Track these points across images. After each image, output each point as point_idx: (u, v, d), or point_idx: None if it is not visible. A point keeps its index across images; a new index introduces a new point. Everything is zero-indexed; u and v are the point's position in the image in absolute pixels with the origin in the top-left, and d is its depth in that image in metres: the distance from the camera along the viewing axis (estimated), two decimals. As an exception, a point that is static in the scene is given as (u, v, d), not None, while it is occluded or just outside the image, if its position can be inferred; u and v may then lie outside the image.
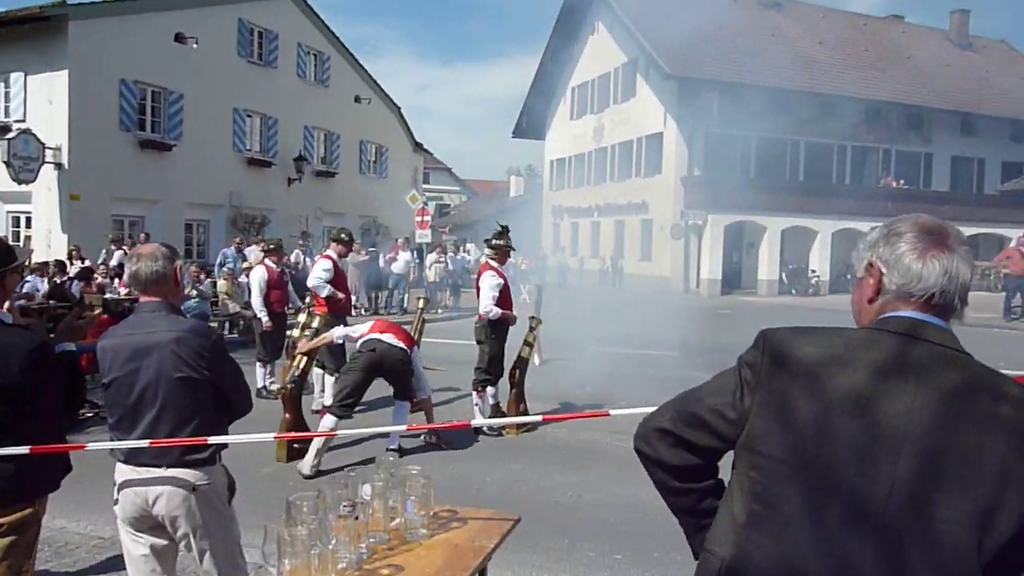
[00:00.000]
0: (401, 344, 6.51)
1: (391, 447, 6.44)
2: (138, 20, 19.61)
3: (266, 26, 23.94)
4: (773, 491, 1.41)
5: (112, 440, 2.70)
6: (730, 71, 27.71)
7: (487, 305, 7.26)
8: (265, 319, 8.85)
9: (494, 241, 7.57)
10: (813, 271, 27.99)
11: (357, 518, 2.19)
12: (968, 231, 30.11)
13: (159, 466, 2.60)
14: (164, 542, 2.71)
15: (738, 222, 27.37)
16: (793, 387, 1.42)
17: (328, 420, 6.20)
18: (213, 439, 2.61)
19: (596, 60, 33.31)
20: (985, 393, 1.37)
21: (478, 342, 7.51)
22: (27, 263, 14.64)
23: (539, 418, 2.17)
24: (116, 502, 2.70)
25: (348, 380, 6.31)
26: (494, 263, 7.50)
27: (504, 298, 7.38)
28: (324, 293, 8.08)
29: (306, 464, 5.98)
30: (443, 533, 2.52)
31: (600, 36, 33.04)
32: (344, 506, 2.19)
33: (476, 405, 7.47)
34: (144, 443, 2.55)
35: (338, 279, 8.31)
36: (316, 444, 5.96)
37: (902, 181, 30.57)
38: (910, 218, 1.55)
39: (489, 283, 7.33)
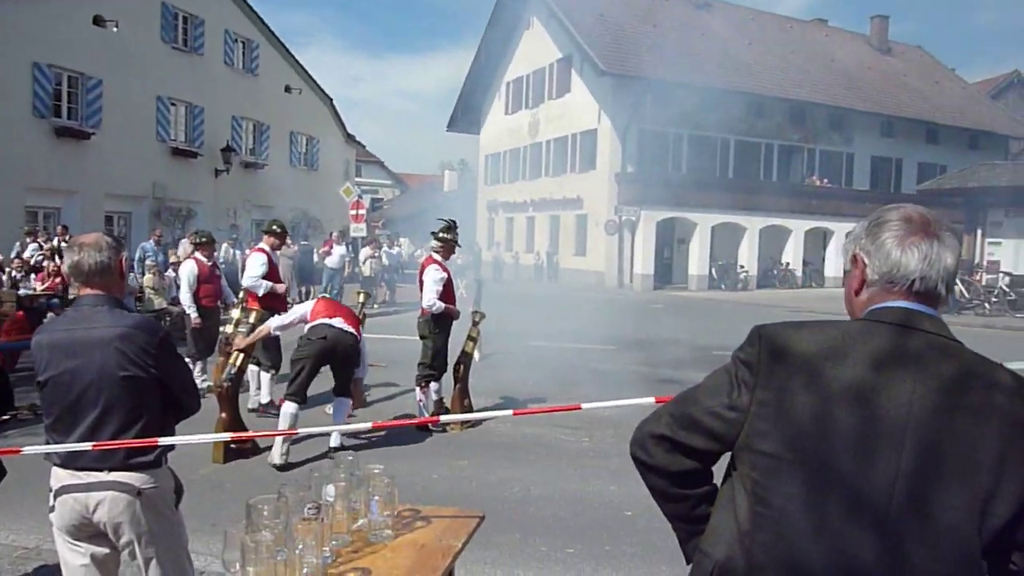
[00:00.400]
0: (351, 329, 6.36)
1: (334, 445, 6.29)
2: (55, 1, 18.66)
3: (191, 11, 23.11)
4: (774, 489, 1.39)
5: (48, 443, 2.51)
6: (662, 69, 28.10)
7: (431, 299, 7.16)
8: (194, 315, 8.54)
9: (441, 234, 7.46)
10: (742, 267, 28.75)
11: (322, 520, 2.09)
12: (887, 228, 31.40)
13: (101, 470, 2.43)
14: (106, 550, 2.54)
15: (670, 218, 27.87)
16: (792, 382, 1.40)
17: (289, 407, 6.04)
18: (163, 440, 2.46)
19: (531, 55, 33.36)
20: (979, 382, 1.37)
21: (421, 337, 7.40)
22: None
23: (509, 412, 2.12)
24: (52, 509, 2.51)
25: (300, 367, 6.14)
26: (438, 256, 7.40)
27: (447, 292, 7.29)
28: (261, 292, 7.82)
29: (275, 455, 5.90)
30: (408, 533, 2.44)
31: (535, 31, 33.11)
32: (309, 508, 2.09)
33: (420, 401, 7.35)
34: (87, 446, 2.38)
35: (272, 273, 8.05)
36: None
37: (826, 180, 31.67)
38: (894, 208, 1.57)
39: (433, 276, 7.22)
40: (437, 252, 7.43)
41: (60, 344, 2.45)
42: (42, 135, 18.42)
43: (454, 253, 7.66)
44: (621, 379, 10.15)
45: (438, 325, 7.27)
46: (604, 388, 9.47)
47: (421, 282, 7.36)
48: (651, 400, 2.37)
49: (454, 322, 7.46)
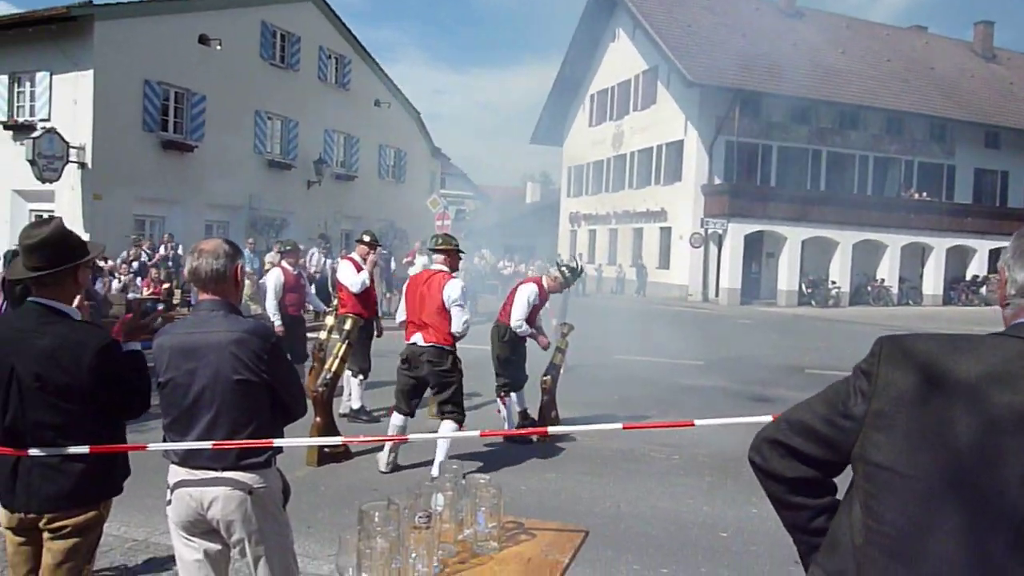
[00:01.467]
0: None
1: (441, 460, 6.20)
2: (163, 21, 19.66)
3: (288, 29, 23.97)
4: (887, 503, 1.30)
5: (166, 441, 2.59)
6: (752, 79, 27.52)
7: (518, 319, 7.05)
8: (278, 323, 8.61)
9: (564, 268, 7.39)
10: (833, 282, 27.71)
11: (431, 530, 2.07)
12: (991, 244, 29.77)
13: (215, 469, 2.49)
14: (218, 547, 2.60)
15: (758, 231, 27.15)
16: (910, 393, 1.32)
17: (398, 418, 6.06)
18: (278, 441, 2.51)
19: (616, 67, 33.21)
20: None
21: (497, 357, 7.35)
22: (101, 257, 14.67)
23: (619, 425, 2.07)
24: (169, 503, 2.59)
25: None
26: (546, 284, 7.31)
27: (531, 316, 7.21)
28: (358, 289, 7.92)
29: (382, 460, 6.04)
30: (513, 546, 2.40)
31: (620, 43, 32.95)
32: (420, 517, 2.07)
33: (499, 412, 7.32)
34: (207, 444, 2.44)
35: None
36: (440, 452, 5.89)
37: (924, 193, 30.26)
38: None
39: (527, 294, 7.09)
40: (548, 281, 7.32)
41: (180, 347, 2.53)
42: (150, 148, 19.39)
43: (566, 287, 7.55)
44: (710, 396, 9.89)
45: (514, 344, 7.22)
46: (693, 405, 9.26)
47: (509, 302, 7.25)
48: (768, 419, 2.25)
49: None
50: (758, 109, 28.50)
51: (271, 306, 8.74)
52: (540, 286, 7.24)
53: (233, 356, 2.47)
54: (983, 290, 29.61)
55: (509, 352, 7.20)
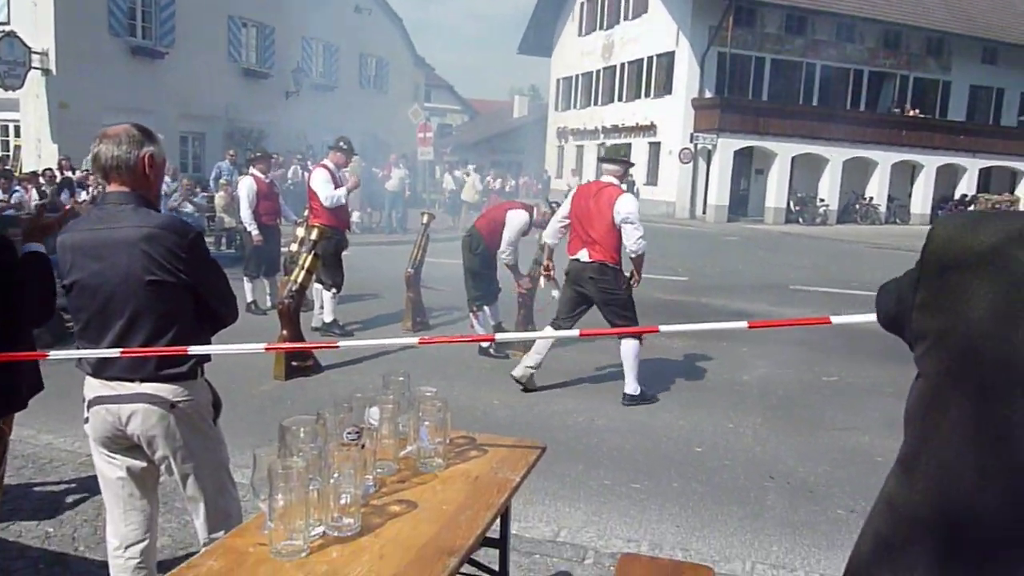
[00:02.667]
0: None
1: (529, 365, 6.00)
2: (126, -84, 18.54)
3: (262, -73, 22.71)
4: (924, 388, 1.23)
5: (79, 347, 2.34)
6: (747, -12, 26.50)
7: (508, 245, 6.77)
8: (255, 232, 8.46)
9: (554, 204, 6.94)
10: (822, 200, 27.43)
11: (363, 446, 1.86)
12: (982, 163, 29.46)
13: (132, 380, 2.25)
14: (142, 464, 2.39)
15: (748, 147, 26.65)
16: (939, 269, 1.20)
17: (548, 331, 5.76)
18: (194, 349, 2.25)
19: (607, -27, 31.89)
20: None
21: (468, 269, 7.05)
22: (68, 168, 14.05)
23: (575, 332, 1.87)
24: (86, 420, 2.36)
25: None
26: (535, 216, 6.91)
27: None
28: (334, 203, 7.53)
29: (519, 368, 5.91)
30: (460, 463, 2.20)
31: (612, -52, 31.55)
32: (348, 433, 1.85)
33: (471, 327, 7.12)
34: (115, 352, 2.20)
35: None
36: (539, 346, 5.80)
37: (918, 110, 29.66)
38: None
39: (517, 222, 6.77)
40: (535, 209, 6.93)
41: (84, 245, 2.24)
42: (118, 54, 18.58)
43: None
44: (693, 312, 9.75)
45: (485, 256, 6.96)
46: (675, 319, 9.10)
47: (493, 218, 6.94)
48: (743, 325, 2.04)
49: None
50: (752, 19, 27.53)
51: (246, 215, 8.48)
52: (531, 215, 6.92)
53: (144, 254, 2.18)
54: (971, 209, 29.42)
55: (480, 265, 6.95)
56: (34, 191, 13.12)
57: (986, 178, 30.36)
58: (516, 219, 6.79)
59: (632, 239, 5.61)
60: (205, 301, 2.32)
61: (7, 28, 16.64)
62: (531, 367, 5.88)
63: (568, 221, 5.88)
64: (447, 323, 8.41)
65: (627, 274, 5.78)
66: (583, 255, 5.69)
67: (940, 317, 1.18)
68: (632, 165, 6.02)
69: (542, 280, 7.47)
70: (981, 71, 31.24)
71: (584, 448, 4.84)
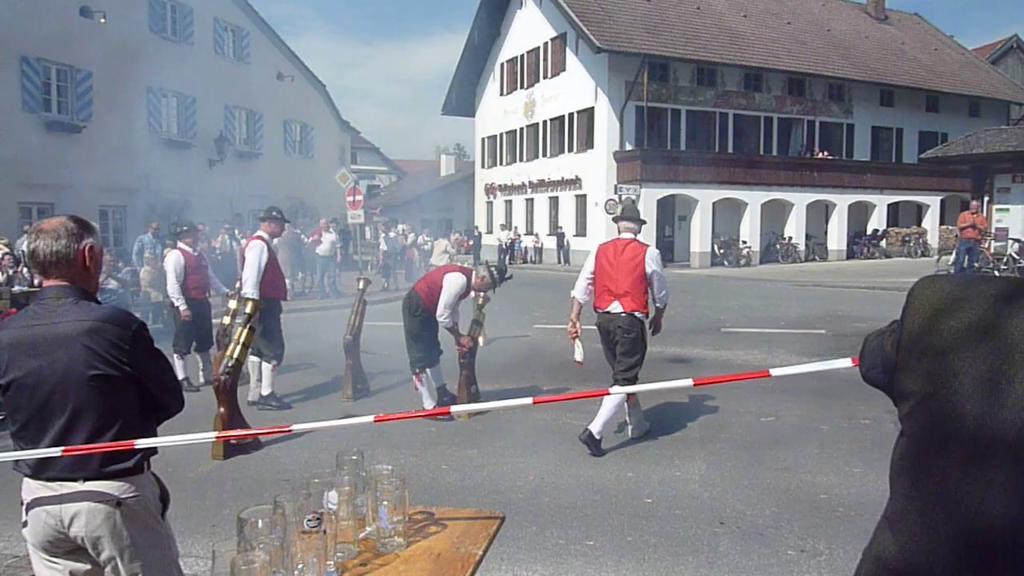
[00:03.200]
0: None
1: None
2: (39, -7, 18.29)
3: (179, -1, 22.70)
4: (904, 449, 1.29)
5: (16, 449, 2.24)
6: (658, 44, 27.72)
7: (445, 313, 6.77)
8: (183, 307, 8.27)
9: (493, 268, 7.18)
10: (744, 242, 28.40)
11: (324, 532, 1.83)
12: (889, 199, 31.11)
13: (75, 479, 2.17)
14: (86, 567, 2.28)
15: (670, 195, 27.51)
16: (921, 333, 1.26)
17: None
18: (141, 442, 2.19)
19: (525, 35, 32.88)
20: None
21: (409, 331, 7.05)
22: None
23: (528, 400, 1.88)
24: (25, 524, 2.26)
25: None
26: (474, 280, 7.00)
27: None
28: (253, 292, 7.34)
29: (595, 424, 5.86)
30: (422, 540, 2.18)
31: (528, 10, 32.61)
32: (308, 520, 1.83)
33: (415, 389, 7.09)
34: (56, 451, 2.12)
35: (271, 261, 7.71)
36: (607, 411, 5.81)
37: (827, 152, 31.28)
38: None
39: (455, 286, 6.80)
40: (469, 273, 7.03)
41: (21, 342, 2.18)
42: (32, 129, 18.07)
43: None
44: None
45: (425, 317, 6.96)
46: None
47: (437, 282, 6.92)
48: (689, 383, 2.11)
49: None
50: (665, 74, 28.76)
51: (173, 290, 8.30)
52: (468, 278, 6.97)
53: (86, 349, 2.13)
54: (883, 243, 30.95)
55: (420, 327, 6.94)
56: (-56, 275, 12.54)
57: (895, 212, 32.08)
58: (454, 282, 6.83)
59: (662, 289, 6.16)
60: (150, 392, 2.26)
61: (-88, 108, 16.11)
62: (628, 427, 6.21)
63: (593, 278, 6.24)
64: (387, 387, 8.32)
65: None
66: (615, 307, 6.00)
67: (924, 380, 1.22)
68: (644, 223, 6.64)
69: (480, 340, 7.53)
70: (880, 113, 33.25)
71: (536, 508, 4.82)
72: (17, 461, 2.23)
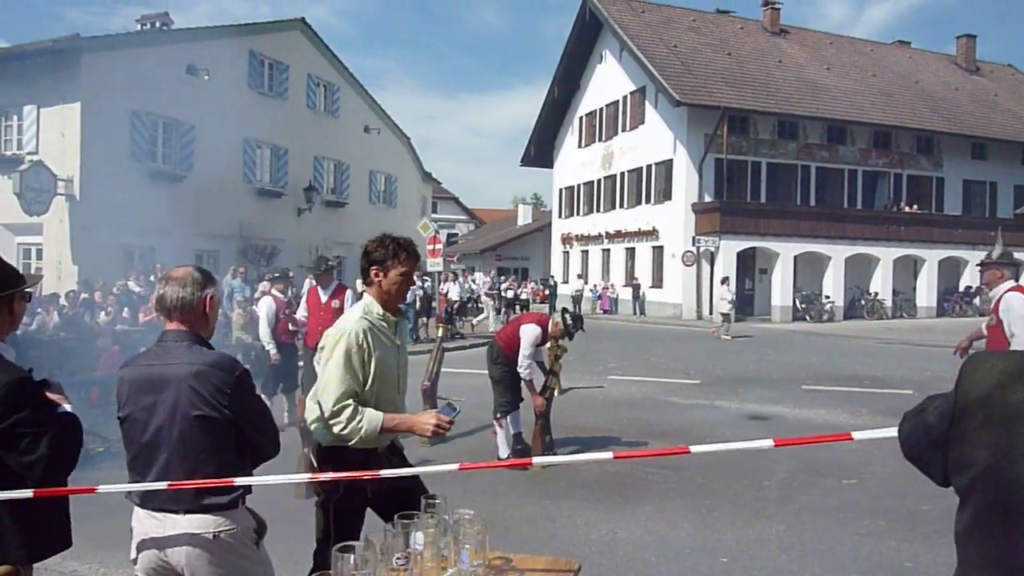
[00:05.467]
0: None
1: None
2: (150, 53, 19.69)
3: (277, 58, 24.04)
4: (969, 520, 1.31)
5: (129, 480, 2.45)
6: (738, 97, 27.68)
7: (525, 360, 6.94)
8: (274, 352, 8.63)
9: (568, 315, 7.30)
10: (827, 297, 27.64)
11: (410, 571, 1.94)
12: (983, 255, 29.75)
13: (176, 511, 2.35)
14: (187, 595, 2.44)
15: (750, 248, 27.12)
16: (981, 405, 1.28)
17: None
18: (238, 480, 2.35)
19: (604, 88, 33.36)
20: None
21: (492, 379, 7.27)
22: (36, 290, 14.46)
23: (609, 455, 1.95)
24: (135, 561, 2.44)
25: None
26: (549, 328, 7.14)
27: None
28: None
29: None
30: (500, 585, 2.26)
31: (608, 65, 33.13)
32: (398, 558, 1.93)
33: (494, 434, 7.21)
34: (161, 485, 2.30)
35: (311, 309, 8.33)
36: None
37: (915, 206, 30.32)
38: None
39: (531, 335, 6.96)
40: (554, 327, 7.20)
41: (139, 380, 2.40)
42: (139, 178, 19.28)
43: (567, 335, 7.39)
44: (708, 416, 9.76)
45: (507, 365, 7.12)
46: (692, 425, 9.12)
47: (516, 335, 7.07)
48: (769, 443, 2.14)
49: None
50: (746, 126, 28.63)
51: (265, 334, 8.69)
52: (544, 328, 7.11)
53: (192, 390, 2.32)
54: (976, 300, 29.59)
55: (500, 374, 7.12)
56: (55, 313, 13.41)
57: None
58: (529, 333, 6.98)
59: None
60: (247, 435, 2.44)
61: (36, 157, 17.42)
62: None
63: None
64: (464, 433, 8.42)
65: None
66: None
67: (986, 451, 1.25)
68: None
69: (556, 391, 7.59)
70: (972, 166, 32.14)
71: (610, 563, 4.81)
72: (129, 491, 2.43)
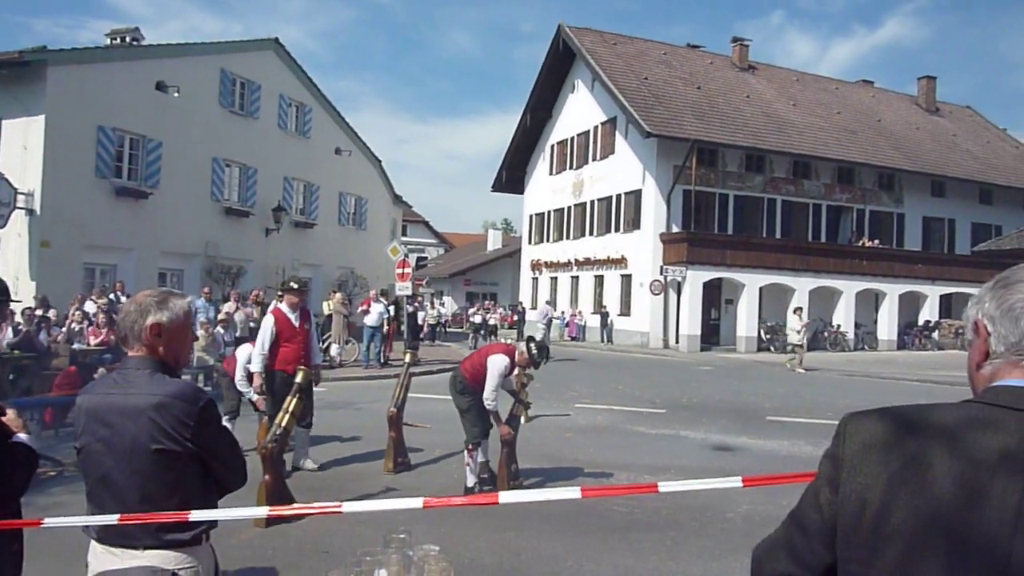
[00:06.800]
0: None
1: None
2: (119, 67, 19.48)
3: (249, 77, 23.90)
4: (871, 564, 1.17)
5: (88, 511, 2.34)
6: (707, 130, 28.16)
7: (491, 393, 6.87)
8: (254, 396, 8.00)
9: (533, 345, 7.20)
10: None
11: (372, 612, 1.88)
12: (941, 290, 30.50)
13: (136, 547, 2.25)
14: (143, 634, 2.34)
15: (717, 278, 27.43)
16: (880, 445, 1.20)
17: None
18: (195, 514, 2.25)
19: (576, 118, 33.73)
20: None
21: (458, 407, 7.18)
22: (44, 306, 13.95)
23: (577, 492, 1.89)
24: None
25: None
26: (516, 358, 7.08)
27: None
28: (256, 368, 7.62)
29: None
30: (464, 625, 2.20)
31: (580, 95, 33.53)
32: (359, 599, 1.88)
33: (467, 465, 7.13)
34: (112, 519, 2.20)
35: (281, 333, 7.71)
36: None
37: (877, 240, 31.00)
38: None
39: (498, 366, 6.89)
40: (518, 356, 7.12)
41: (97, 409, 2.30)
42: (103, 194, 18.96)
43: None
44: (673, 445, 9.77)
45: (473, 396, 7.06)
46: (658, 455, 9.12)
47: (484, 364, 6.99)
48: (738, 483, 2.12)
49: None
50: (714, 159, 29.10)
51: (241, 380, 7.96)
52: (511, 358, 7.06)
53: (152, 422, 2.22)
54: (935, 335, 30.23)
55: (468, 404, 7.05)
56: (9, 329, 13.05)
57: (947, 304, 31.34)
58: (497, 364, 6.91)
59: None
60: (212, 468, 2.36)
61: (-5, 171, 17.04)
62: None
63: None
64: (429, 461, 8.34)
65: None
66: None
67: (867, 520, 1.17)
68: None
69: (522, 418, 7.55)
70: (932, 203, 33.01)
71: (574, 595, 4.75)
72: (86, 525, 2.33)
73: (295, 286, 7.92)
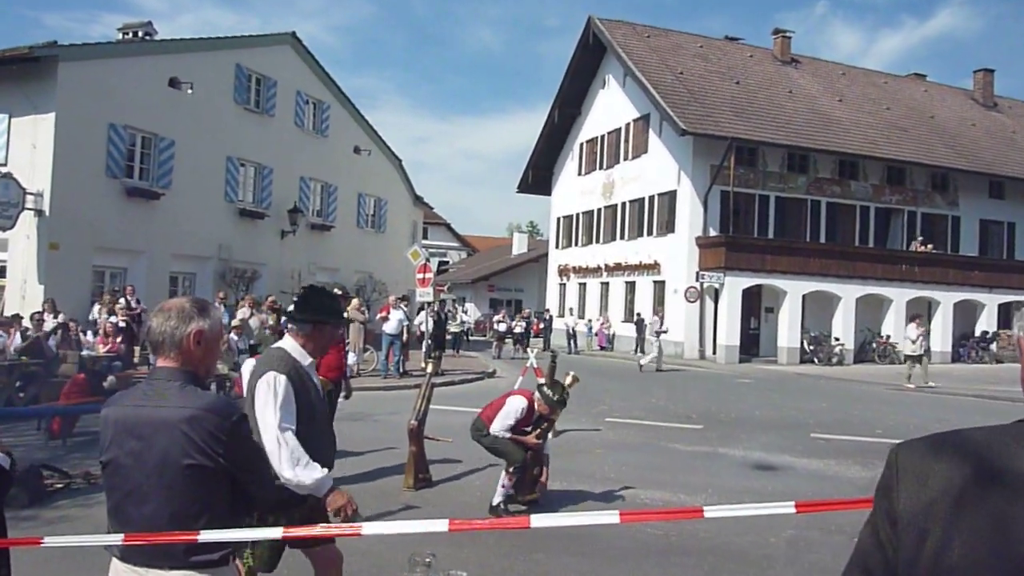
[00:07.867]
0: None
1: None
2: (131, 63, 19.78)
3: (265, 72, 24.18)
4: None
5: (109, 528, 2.38)
6: (747, 128, 27.95)
7: (500, 425, 7.03)
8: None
9: (548, 392, 7.18)
10: (836, 339, 27.67)
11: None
12: (1000, 299, 29.97)
13: (161, 567, 2.29)
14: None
15: (756, 285, 27.22)
16: (942, 507, 1.19)
17: None
18: (205, 535, 2.28)
19: (606, 115, 33.69)
20: None
21: (487, 448, 7.26)
22: (53, 311, 14.22)
23: (616, 516, 1.88)
24: None
25: None
26: (537, 406, 7.14)
27: (515, 428, 7.10)
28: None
29: None
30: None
31: (611, 91, 33.49)
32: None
33: (502, 485, 7.14)
34: (117, 539, 2.23)
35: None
36: None
37: (930, 245, 30.46)
38: None
39: (516, 407, 7.04)
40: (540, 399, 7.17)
41: (125, 421, 2.34)
42: (113, 195, 19.26)
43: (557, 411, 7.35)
44: (711, 463, 9.70)
45: (487, 438, 7.17)
46: (694, 473, 9.06)
47: (496, 407, 7.17)
48: (791, 508, 2.11)
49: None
50: (754, 158, 28.88)
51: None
52: (531, 403, 7.12)
53: (184, 436, 2.27)
54: (993, 346, 29.70)
55: (491, 442, 7.15)
56: (17, 335, 13.29)
57: (1006, 313, 30.75)
58: (515, 404, 7.04)
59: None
60: (242, 484, 2.39)
61: (3, 169, 17.37)
62: None
63: None
64: (450, 478, 8.35)
65: None
66: None
67: (926, 552, 1.18)
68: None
69: (550, 435, 7.55)
70: (990, 206, 32.43)
71: (607, 622, 4.73)
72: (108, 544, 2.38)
73: (338, 292, 8.16)
